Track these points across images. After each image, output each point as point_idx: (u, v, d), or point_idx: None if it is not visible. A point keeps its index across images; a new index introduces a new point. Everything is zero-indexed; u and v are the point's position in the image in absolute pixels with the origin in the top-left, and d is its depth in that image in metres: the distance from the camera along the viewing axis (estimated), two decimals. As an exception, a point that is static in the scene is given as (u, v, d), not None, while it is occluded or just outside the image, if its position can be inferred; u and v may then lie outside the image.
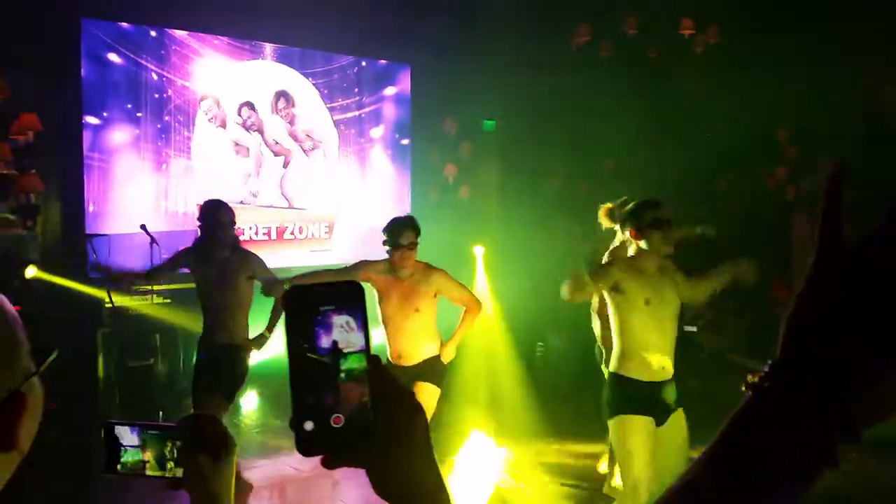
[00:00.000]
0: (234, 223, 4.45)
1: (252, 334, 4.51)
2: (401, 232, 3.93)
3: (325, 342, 0.65)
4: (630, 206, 3.50)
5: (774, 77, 7.26)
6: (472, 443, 5.62)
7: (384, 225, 4.06)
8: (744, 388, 0.55)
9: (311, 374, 0.64)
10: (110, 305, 6.39)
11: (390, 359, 4.15)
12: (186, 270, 4.57)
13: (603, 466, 4.80)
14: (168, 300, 6.83)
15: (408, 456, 0.67)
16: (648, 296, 3.34)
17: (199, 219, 4.47)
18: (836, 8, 6.79)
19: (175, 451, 0.98)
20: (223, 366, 4.37)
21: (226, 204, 4.48)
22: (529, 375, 7.55)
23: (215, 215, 4.37)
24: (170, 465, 0.99)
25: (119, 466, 1.01)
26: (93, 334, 6.44)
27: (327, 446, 0.64)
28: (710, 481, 0.55)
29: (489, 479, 5.12)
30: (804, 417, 0.52)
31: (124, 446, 1.00)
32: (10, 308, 0.73)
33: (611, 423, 3.41)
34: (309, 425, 0.64)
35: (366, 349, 0.65)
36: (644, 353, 3.36)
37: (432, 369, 4.14)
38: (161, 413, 6.00)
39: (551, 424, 6.14)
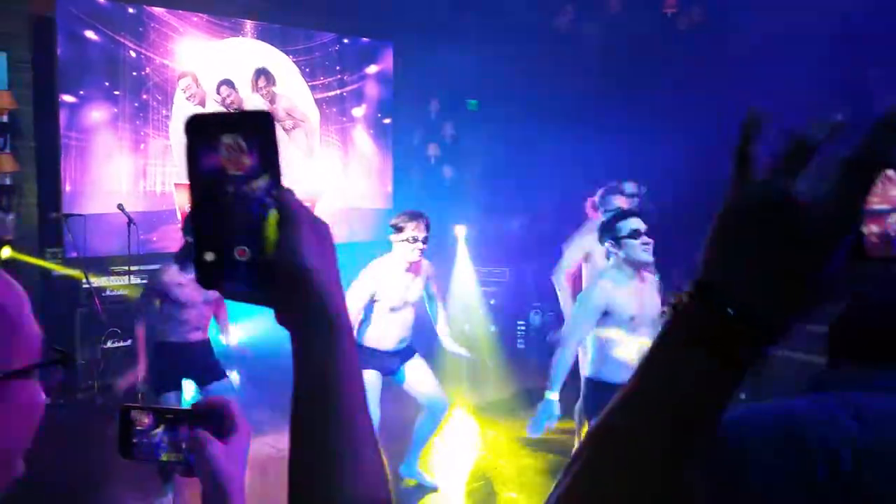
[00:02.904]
0: None
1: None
2: (417, 226, 3.99)
3: (215, 166, 0.60)
4: (605, 217, 3.50)
5: (756, 57, 7.27)
6: (453, 420, 5.65)
7: (395, 218, 4.10)
8: (665, 311, 0.58)
9: (208, 203, 0.61)
10: (87, 286, 6.33)
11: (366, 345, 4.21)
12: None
13: None
14: (146, 280, 6.76)
15: (315, 281, 0.63)
16: (634, 312, 3.36)
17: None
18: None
19: (188, 437, 0.96)
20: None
21: None
22: (510, 354, 7.60)
23: None
24: (182, 450, 0.97)
25: (136, 451, 0.99)
26: (71, 315, 6.38)
27: (228, 278, 0.61)
28: (637, 395, 0.59)
29: (470, 456, 5.16)
30: (715, 328, 0.55)
31: (140, 431, 0.99)
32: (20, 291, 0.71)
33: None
34: (210, 256, 0.61)
35: (261, 173, 0.61)
36: (622, 358, 3.39)
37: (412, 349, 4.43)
38: (140, 395, 5.95)
39: (532, 402, 6.19)
